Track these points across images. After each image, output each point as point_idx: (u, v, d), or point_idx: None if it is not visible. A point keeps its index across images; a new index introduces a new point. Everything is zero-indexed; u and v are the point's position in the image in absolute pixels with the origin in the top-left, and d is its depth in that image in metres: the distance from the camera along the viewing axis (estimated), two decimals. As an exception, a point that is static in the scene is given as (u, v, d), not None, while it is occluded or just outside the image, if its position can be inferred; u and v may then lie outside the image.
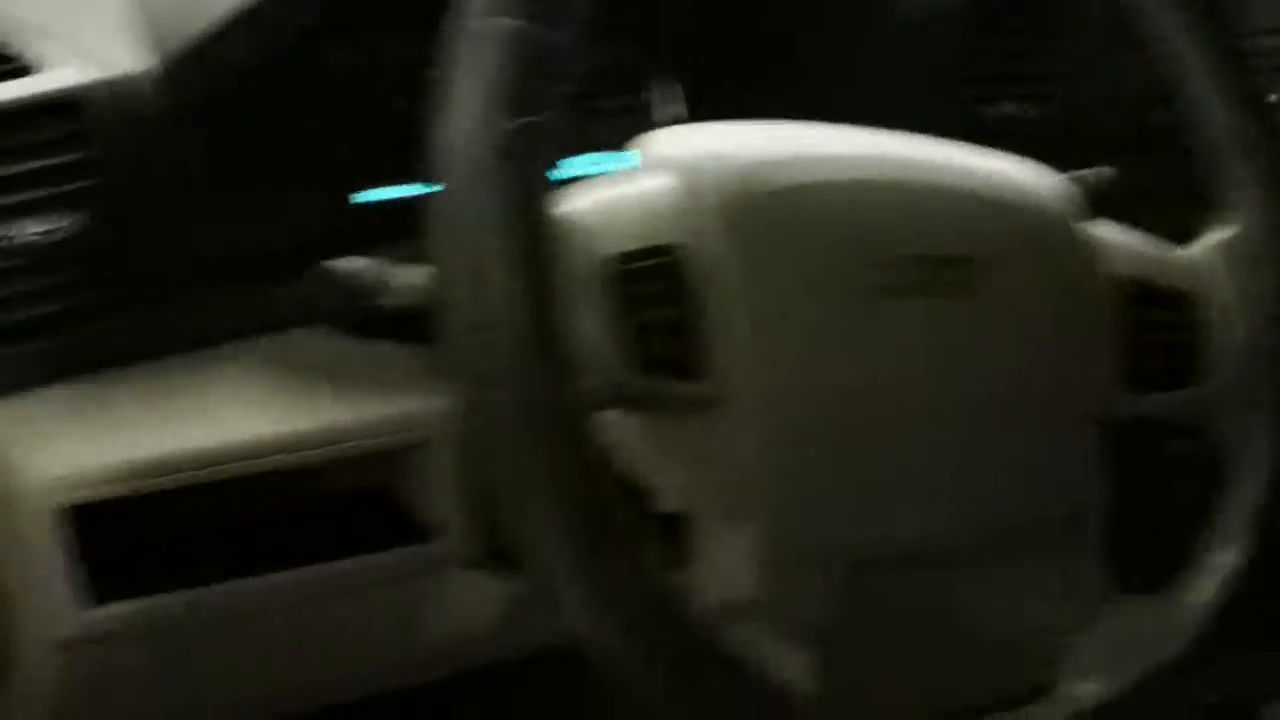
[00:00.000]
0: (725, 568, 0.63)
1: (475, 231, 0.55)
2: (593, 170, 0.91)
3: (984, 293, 0.67)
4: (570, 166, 0.93)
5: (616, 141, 0.96)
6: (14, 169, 0.75)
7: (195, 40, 0.79)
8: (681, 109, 1.02)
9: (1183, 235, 0.78)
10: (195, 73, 0.79)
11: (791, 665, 0.64)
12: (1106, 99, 0.99)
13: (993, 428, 0.68)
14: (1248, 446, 0.74)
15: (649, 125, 0.97)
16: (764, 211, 0.63)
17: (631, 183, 0.64)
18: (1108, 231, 0.74)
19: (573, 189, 0.62)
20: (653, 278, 0.61)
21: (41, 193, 0.75)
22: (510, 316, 0.55)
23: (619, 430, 0.64)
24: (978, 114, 1.00)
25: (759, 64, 1.04)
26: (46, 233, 0.74)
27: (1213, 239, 0.76)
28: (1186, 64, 0.74)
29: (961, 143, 0.74)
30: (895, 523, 0.67)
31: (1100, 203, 0.77)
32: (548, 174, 0.57)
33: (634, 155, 0.73)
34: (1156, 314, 0.73)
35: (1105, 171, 0.81)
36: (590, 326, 0.59)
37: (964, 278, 0.67)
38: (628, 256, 0.60)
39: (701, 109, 1.02)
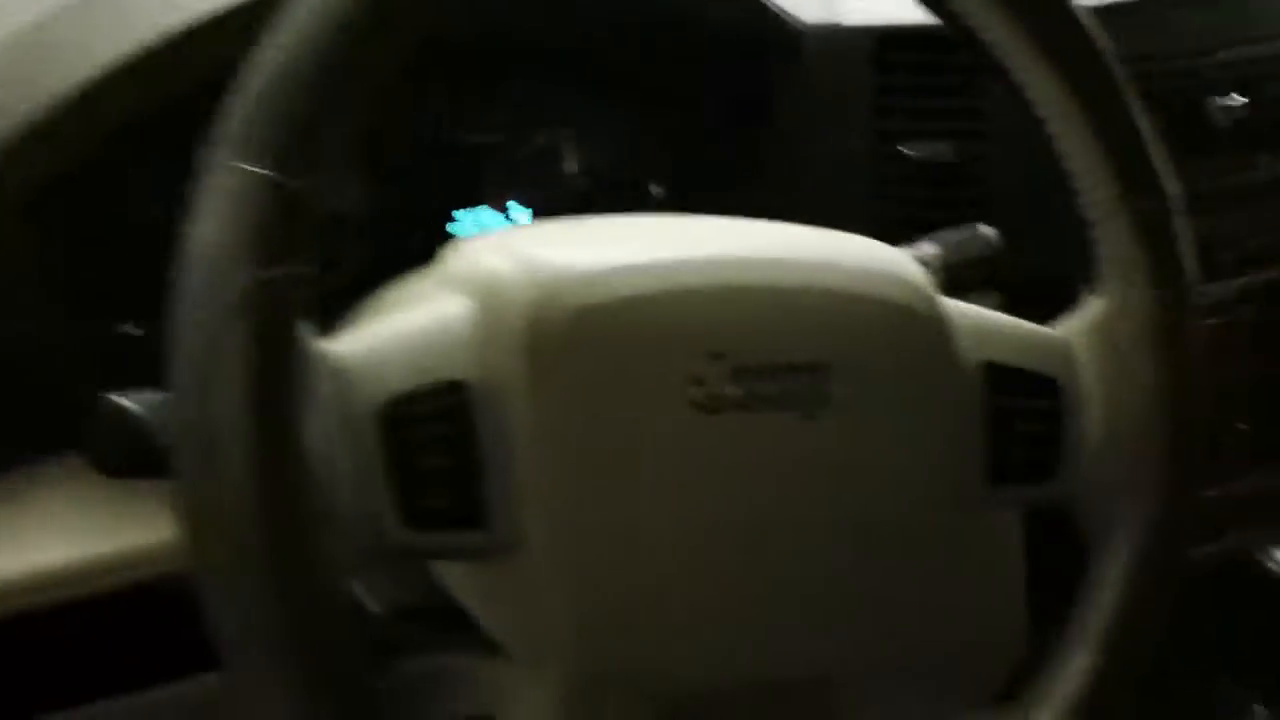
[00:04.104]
0: (532, 710, 0.59)
1: (209, 395, 0.51)
2: (485, 226, 0.86)
3: (838, 400, 0.61)
4: (464, 222, 0.88)
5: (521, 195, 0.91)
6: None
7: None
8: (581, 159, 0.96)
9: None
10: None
11: None
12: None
13: (843, 542, 0.62)
14: (1107, 545, 0.67)
15: (556, 175, 0.91)
16: (565, 335, 0.56)
17: (418, 311, 0.58)
18: (969, 312, 0.67)
19: (358, 325, 0.58)
20: (435, 420, 0.55)
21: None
22: (247, 488, 0.50)
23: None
24: (896, 154, 0.91)
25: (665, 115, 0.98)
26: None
27: (1078, 319, 0.69)
28: (1063, 120, 0.67)
29: (831, 216, 0.68)
30: (725, 658, 0.61)
31: (970, 270, 0.71)
32: (295, 329, 0.52)
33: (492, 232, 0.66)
34: (1020, 400, 0.66)
35: (968, 237, 0.74)
36: (356, 480, 0.54)
37: (816, 385, 0.60)
38: (405, 399, 0.55)
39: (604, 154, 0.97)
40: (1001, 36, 0.65)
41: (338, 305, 0.76)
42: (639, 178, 0.98)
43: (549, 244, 0.60)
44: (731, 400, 0.58)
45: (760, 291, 0.60)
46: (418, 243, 0.91)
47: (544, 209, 0.94)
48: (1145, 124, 0.68)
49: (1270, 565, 1.06)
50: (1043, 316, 0.70)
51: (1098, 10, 0.95)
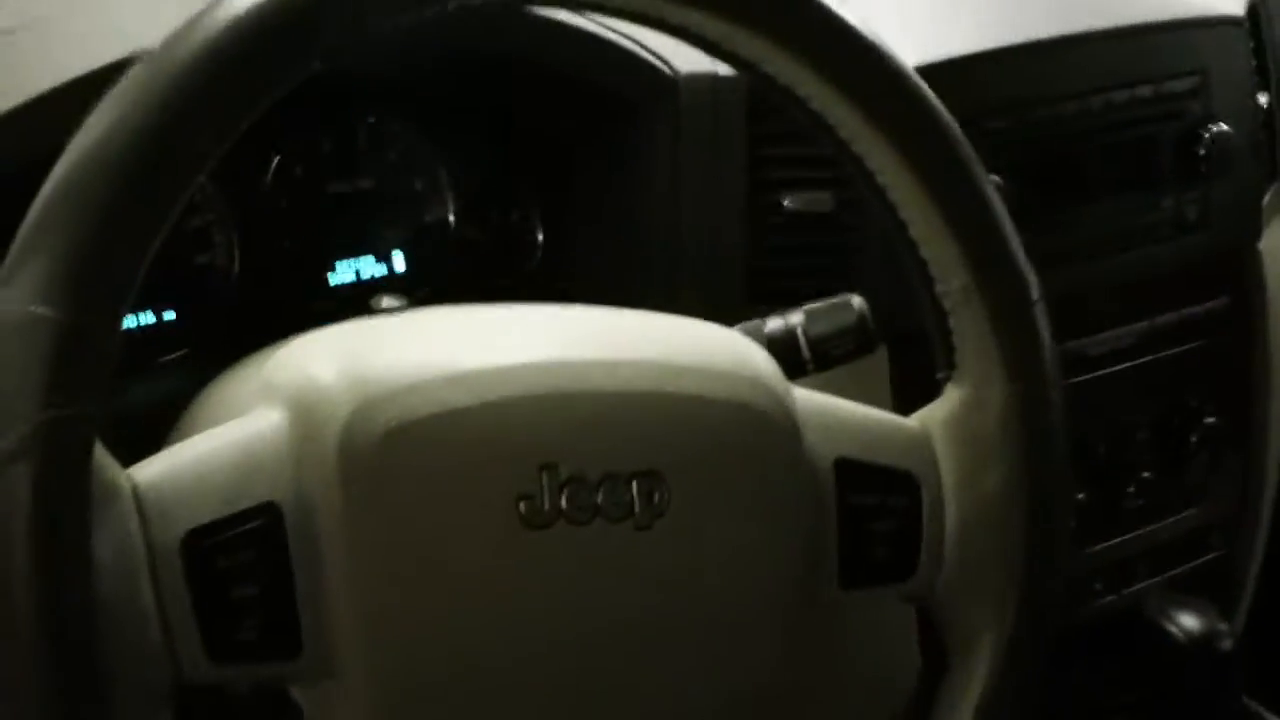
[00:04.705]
0: None
1: None
2: (364, 274, 0.84)
3: (675, 509, 0.58)
4: (343, 271, 0.87)
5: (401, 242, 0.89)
6: None
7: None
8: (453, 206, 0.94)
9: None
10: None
11: None
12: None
13: (685, 655, 0.60)
14: (968, 646, 0.65)
15: (437, 221, 0.90)
16: (379, 454, 0.54)
17: (230, 427, 0.56)
18: (821, 406, 0.64)
19: (165, 453, 0.55)
20: (244, 546, 0.53)
21: None
22: (28, 638, 0.48)
23: None
24: (774, 205, 0.89)
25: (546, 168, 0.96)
26: None
27: (936, 408, 0.66)
28: (912, 207, 0.63)
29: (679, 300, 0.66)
30: None
31: (840, 342, 0.69)
32: (82, 467, 0.50)
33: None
34: (875, 497, 0.64)
35: (836, 308, 0.73)
36: (159, 616, 0.52)
37: (651, 495, 0.57)
38: (212, 527, 0.53)
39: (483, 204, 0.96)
40: (845, 121, 0.62)
41: (213, 364, 0.74)
42: (519, 223, 0.97)
43: (371, 348, 0.57)
44: (562, 514, 0.56)
45: (591, 399, 0.57)
46: (294, 294, 0.90)
47: (424, 255, 0.93)
48: (999, 208, 0.65)
49: (1169, 627, 1.04)
50: (928, 365, 0.68)
51: (982, 56, 0.95)
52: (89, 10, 0.82)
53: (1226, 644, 1.03)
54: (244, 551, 0.53)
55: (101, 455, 0.51)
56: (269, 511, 0.53)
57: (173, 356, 0.86)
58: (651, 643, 0.59)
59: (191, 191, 0.51)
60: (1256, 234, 1.10)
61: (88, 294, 0.49)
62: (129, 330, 0.85)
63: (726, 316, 0.72)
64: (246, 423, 0.55)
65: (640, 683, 0.59)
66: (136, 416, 0.72)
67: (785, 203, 0.89)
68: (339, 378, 0.55)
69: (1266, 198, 1.12)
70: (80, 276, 0.49)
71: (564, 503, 0.56)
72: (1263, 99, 1.10)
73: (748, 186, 0.89)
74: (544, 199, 0.95)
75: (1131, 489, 1.07)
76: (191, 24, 0.52)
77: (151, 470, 0.53)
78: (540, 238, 0.96)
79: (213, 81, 0.51)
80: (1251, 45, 1.08)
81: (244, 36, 0.51)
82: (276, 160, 0.88)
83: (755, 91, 0.88)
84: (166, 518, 0.52)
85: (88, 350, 0.49)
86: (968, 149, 0.64)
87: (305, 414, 0.55)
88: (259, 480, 0.53)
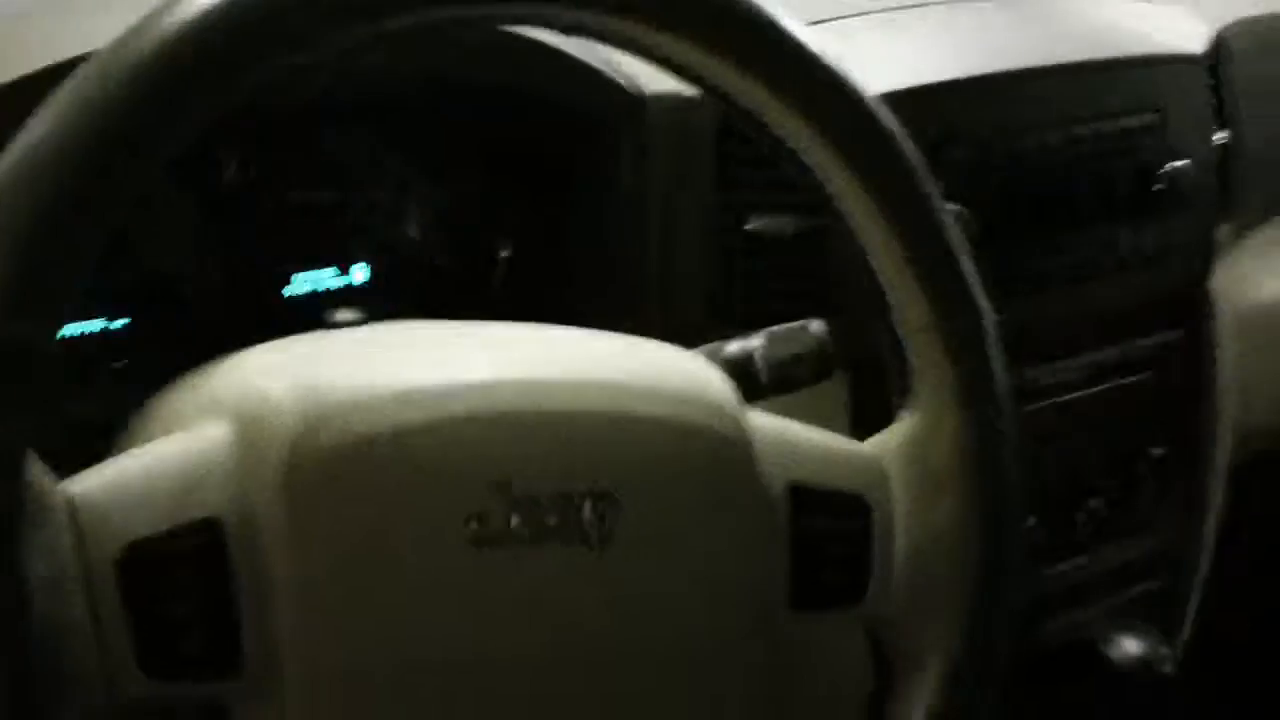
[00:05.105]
0: None
1: None
2: (322, 287, 0.83)
3: (627, 530, 0.58)
4: (300, 284, 0.86)
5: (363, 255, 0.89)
6: None
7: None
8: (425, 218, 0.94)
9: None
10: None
11: None
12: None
13: (636, 677, 0.59)
14: (914, 670, 0.66)
15: (399, 235, 0.90)
16: (326, 473, 0.53)
17: (172, 440, 0.54)
18: (775, 430, 0.64)
19: (103, 466, 0.54)
20: (184, 562, 0.52)
21: None
22: None
23: None
24: (740, 226, 0.89)
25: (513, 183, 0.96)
26: None
27: (891, 435, 0.66)
28: (872, 238, 0.64)
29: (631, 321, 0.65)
30: None
31: (799, 367, 0.70)
32: (14, 483, 0.48)
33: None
34: (828, 521, 0.64)
35: (796, 333, 0.73)
36: (94, 631, 0.50)
37: (603, 516, 0.57)
38: (150, 541, 0.51)
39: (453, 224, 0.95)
40: (811, 151, 0.62)
41: (164, 373, 0.74)
42: (484, 238, 0.97)
43: (322, 363, 0.56)
44: (512, 534, 0.55)
45: (543, 419, 0.57)
46: (250, 304, 0.89)
47: (387, 269, 0.93)
48: (958, 240, 0.65)
49: (1112, 655, 1.05)
50: (887, 390, 0.69)
51: (946, 85, 0.96)
52: (57, 10, 0.81)
53: (1168, 668, 1.04)
54: (183, 567, 0.51)
55: (35, 468, 0.50)
56: (210, 527, 0.52)
57: (122, 364, 0.85)
58: (602, 664, 0.59)
59: (132, 200, 0.50)
60: (1209, 269, 1.12)
61: (19, 307, 0.47)
62: (78, 336, 0.84)
63: (691, 337, 0.72)
64: (190, 436, 0.54)
65: (591, 705, 0.59)
66: (83, 424, 0.72)
67: (750, 225, 0.89)
68: (287, 392, 0.54)
69: (1220, 234, 1.13)
70: (11, 288, 0.47)
71: (515, 523, 0.55)
72: (1220, 136, 1.12)
73: (715, 207, 0.89)
74: (509, 216, 0.95)
75: (1081, 516, 1.08)
76: (140, 26, 0.51)
77: (88, 483, 0.52)
78: (504, 255, 0.96)
79: (159, 87, 0.50)
80: (1211, 82, 1.09)
81: (190, 42, 0.50)
82: (236, 168, 0.87)
83: (724, 112, 0.88)
84: (102, 532, 0.51)
85: (18, 365, 0.47)
86: (929, 182, 0.65)
87: (251, 428, 0.54)
88: (201, 495, 0.52)
